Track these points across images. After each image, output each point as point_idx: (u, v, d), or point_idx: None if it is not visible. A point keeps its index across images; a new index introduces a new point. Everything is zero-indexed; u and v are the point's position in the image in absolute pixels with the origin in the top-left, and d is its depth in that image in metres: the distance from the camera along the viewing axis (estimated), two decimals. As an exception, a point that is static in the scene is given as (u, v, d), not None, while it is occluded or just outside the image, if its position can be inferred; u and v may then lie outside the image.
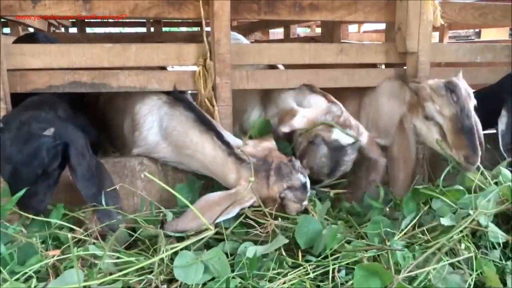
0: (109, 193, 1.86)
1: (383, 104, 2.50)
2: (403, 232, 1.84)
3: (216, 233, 1.80)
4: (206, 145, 2.03)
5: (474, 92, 2.68)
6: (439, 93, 2.03)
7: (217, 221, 1.80)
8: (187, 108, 2.13)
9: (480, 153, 1.96)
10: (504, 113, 2.36)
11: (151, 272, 1.57)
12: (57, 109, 1.96)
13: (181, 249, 1.65)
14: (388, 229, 1.84)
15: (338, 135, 2.12)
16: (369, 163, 2.32)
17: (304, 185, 1.95)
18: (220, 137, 2.02)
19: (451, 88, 2.03)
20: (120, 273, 1.51)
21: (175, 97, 2.21)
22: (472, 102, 2.04)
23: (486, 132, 2.67)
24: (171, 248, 1.63)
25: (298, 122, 2.17)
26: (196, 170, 2.16)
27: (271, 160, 1.95)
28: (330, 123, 2.14)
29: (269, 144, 2.07)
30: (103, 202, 1.81)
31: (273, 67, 2.62)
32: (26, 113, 1.79)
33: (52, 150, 1.73)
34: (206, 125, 2.06)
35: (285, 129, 2.14)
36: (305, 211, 1.96)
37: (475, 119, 2.12)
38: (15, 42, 2.84)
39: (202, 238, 1.71)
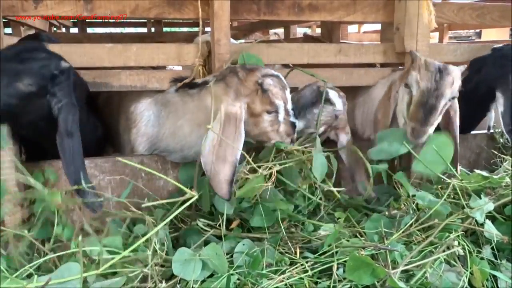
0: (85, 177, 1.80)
1: (376, 96, 2.52)
2: (401, 231, 1.86)
3: (214, 231, 1.82)
4: (186, 100, 2.05)
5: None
6: (428, 68, 2.05)
7: (239, 153, 1.80)
8: (175, 88, 2.17)
9: (428, 130, 1.98)
10: (499, 95, 2.39)
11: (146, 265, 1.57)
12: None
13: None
14: (387, 227, 1.87)
15: (330, 91, 2.27)
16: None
17: (278, 76, 1.94)
18: (191, 84, 2.04)
19: (441, 70, 2.04)
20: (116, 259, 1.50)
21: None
22: (450, 92, 2.03)
23: (482, 132, 2.70)
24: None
25: None
26: (194, 143, 2.07)
27: (234, 67, 1.98)
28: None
29: None
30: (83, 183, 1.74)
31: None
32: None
33: (58, 77, 1.63)
34: (183, 86, 2.08)
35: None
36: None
37: (452, 107, 2.14)
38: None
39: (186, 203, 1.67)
